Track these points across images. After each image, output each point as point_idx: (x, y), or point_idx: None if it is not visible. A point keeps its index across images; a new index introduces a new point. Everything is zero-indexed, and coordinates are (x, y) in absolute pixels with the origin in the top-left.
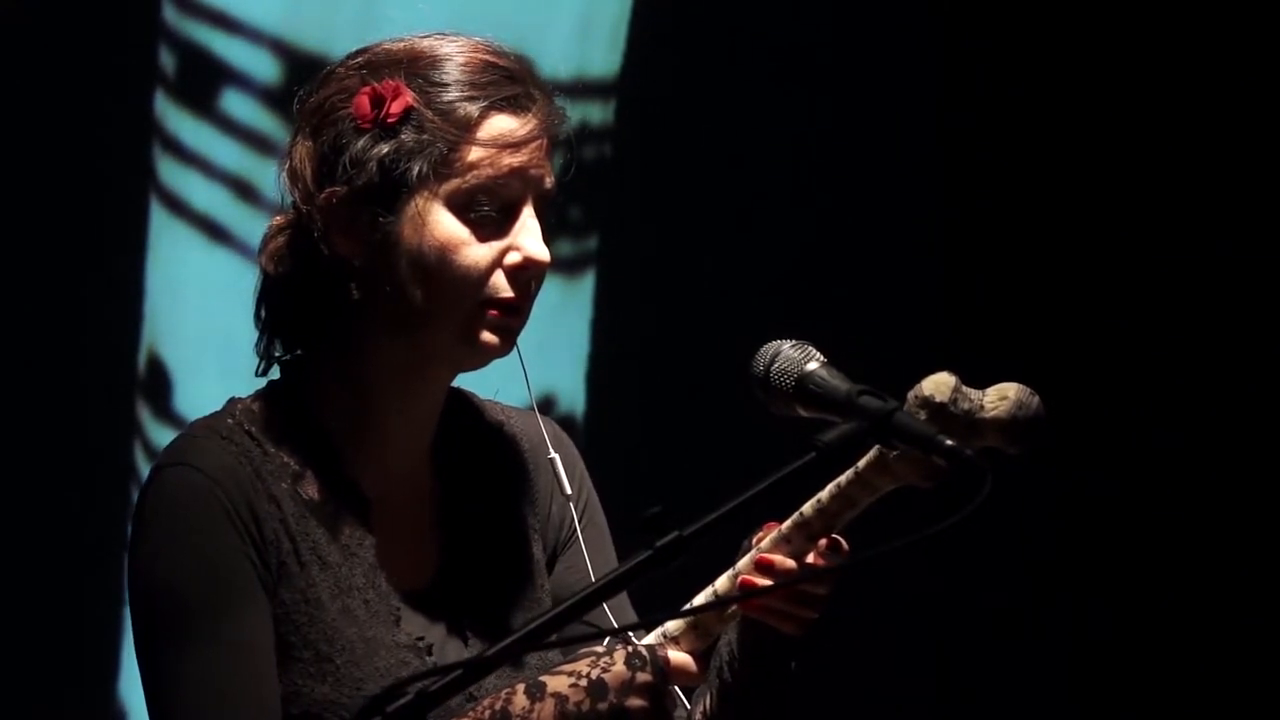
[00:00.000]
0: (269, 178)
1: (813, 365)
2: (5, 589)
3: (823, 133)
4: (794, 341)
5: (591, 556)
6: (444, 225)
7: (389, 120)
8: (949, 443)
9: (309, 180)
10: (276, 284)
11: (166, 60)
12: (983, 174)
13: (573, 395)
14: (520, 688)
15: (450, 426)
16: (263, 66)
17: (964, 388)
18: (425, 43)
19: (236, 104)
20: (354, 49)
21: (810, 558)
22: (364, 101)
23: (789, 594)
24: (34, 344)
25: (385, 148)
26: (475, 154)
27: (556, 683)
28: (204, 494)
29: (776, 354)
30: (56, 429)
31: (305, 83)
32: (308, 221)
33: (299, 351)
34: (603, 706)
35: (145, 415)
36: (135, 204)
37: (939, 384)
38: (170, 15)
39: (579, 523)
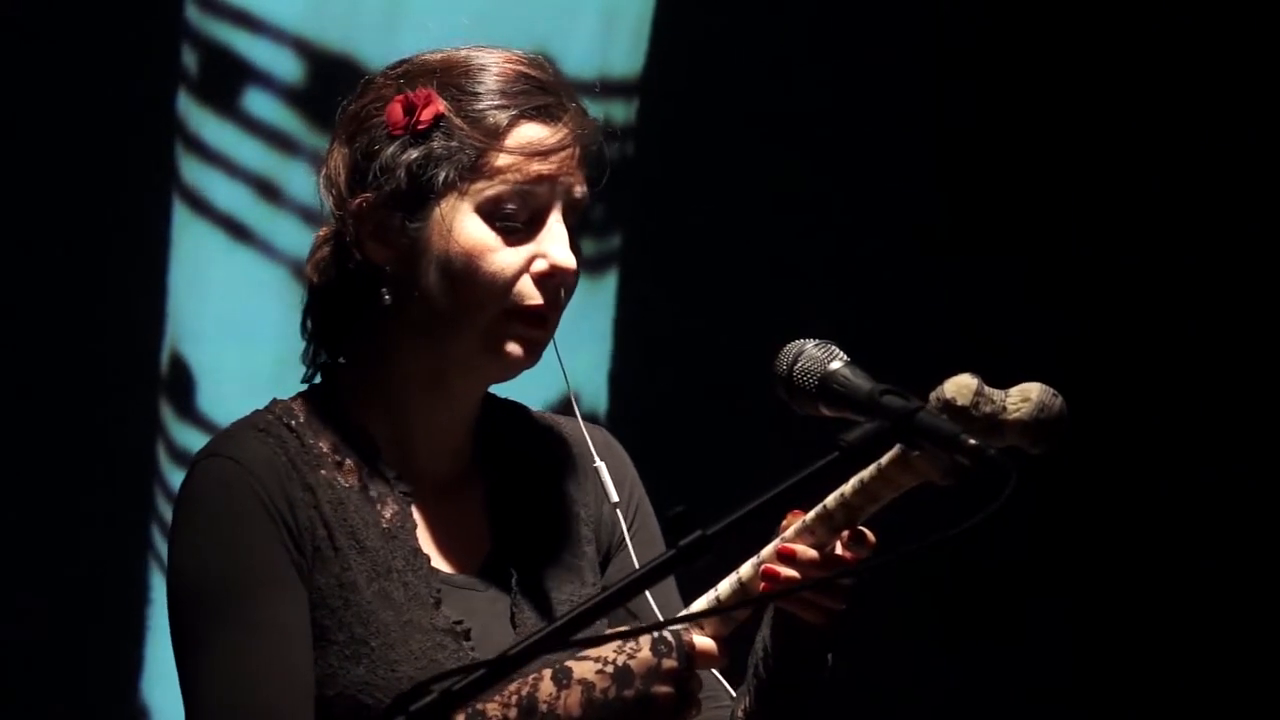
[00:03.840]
0: (292, 177)
1: (836, 364)
2: (29, 586)
3: (845, 131)
4: (817, 340)
5: (642, 562)
6: (471, 231)
7: (419, 127)
8: (972, 441)
9: (342, 187)
10: (320, 293)
11: (189, 59)
12: (1005, 173)
13: (595, 394)
14: (547, 674)
15: (498, 426)
16: (285, 66)
17: (986, 389)
18: (462, 53)
19: (259, 103)
20: (395, 60)
21: (837, 549)
22: (396, 109)
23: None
24: (57, 343)
25: (414, 154)
26: (503, 160)
27: (583, 669)
28: (238, 483)
29: (799, 353)
30: (80, 428)
31: (348, 91)
32: (341, 227)
33: (340, 359)
34: (629, 693)
35: (168, 414)
36: (157, 203)
37: (960, 386)
38: (193, 14)
39: (629, 528)
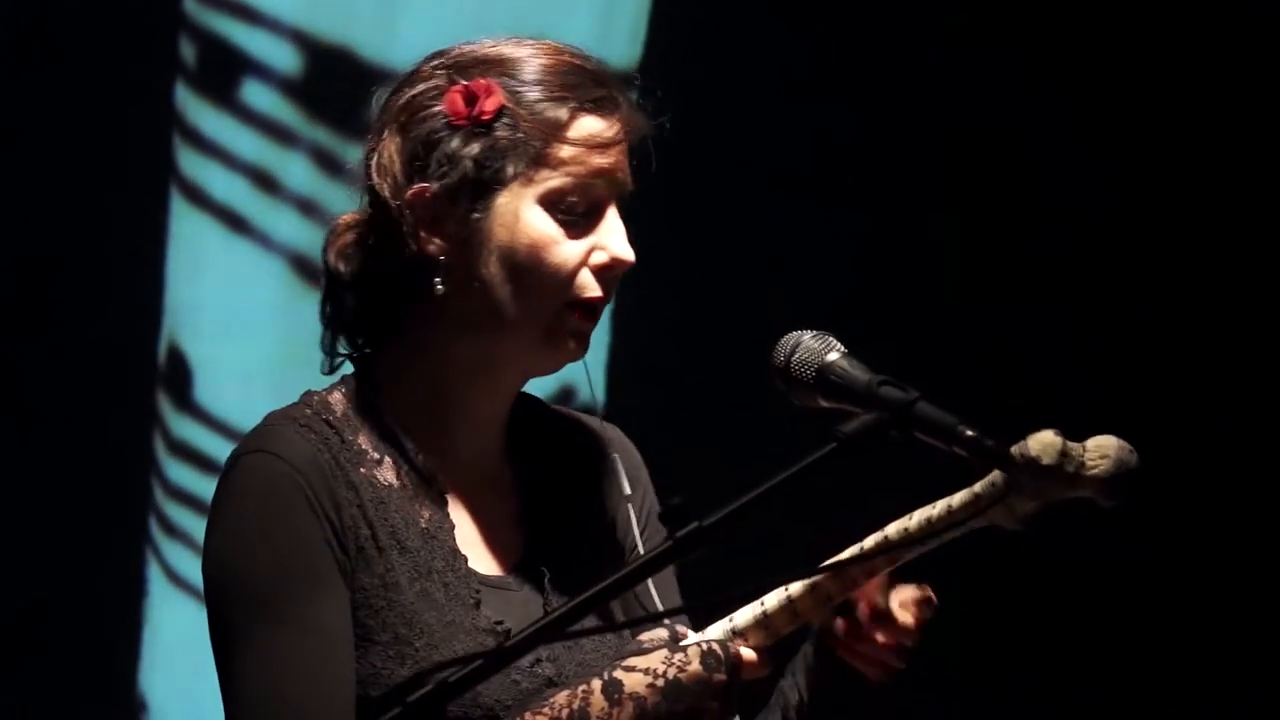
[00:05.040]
0: (289, 168)
1: (833, 355)
2: (27, 579)
3: (846, 126)
4: (815, 332)
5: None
6: (535, 223)
7: (484, 118)
8: (970, 433)
9: (398, 176)
10: (344, 281)
11: (186, 51)
12: (1008, 170)
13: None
14: (597, 686)
15: (526, 422)
16: (283, 57)
17: (1068, 445)
18: (509, 44)
19: (256, 94)
20: (430, 52)
21: (900, 610)
22: (456, 99)
23: (886, 641)
24: (54, 334)
25: (479, 145)
26: (567, 153)
27: (633, 682)
28: (284, 480)
29: (797, 344)
30: (77, 420)
31: (345, 82)
32: (397, 217)
33: (368, 349)
34: (680, 708)
35: (165, 406)
36: (155, 194)
37: (1046, 446)
38: (190, 6)
39: (641, 531)
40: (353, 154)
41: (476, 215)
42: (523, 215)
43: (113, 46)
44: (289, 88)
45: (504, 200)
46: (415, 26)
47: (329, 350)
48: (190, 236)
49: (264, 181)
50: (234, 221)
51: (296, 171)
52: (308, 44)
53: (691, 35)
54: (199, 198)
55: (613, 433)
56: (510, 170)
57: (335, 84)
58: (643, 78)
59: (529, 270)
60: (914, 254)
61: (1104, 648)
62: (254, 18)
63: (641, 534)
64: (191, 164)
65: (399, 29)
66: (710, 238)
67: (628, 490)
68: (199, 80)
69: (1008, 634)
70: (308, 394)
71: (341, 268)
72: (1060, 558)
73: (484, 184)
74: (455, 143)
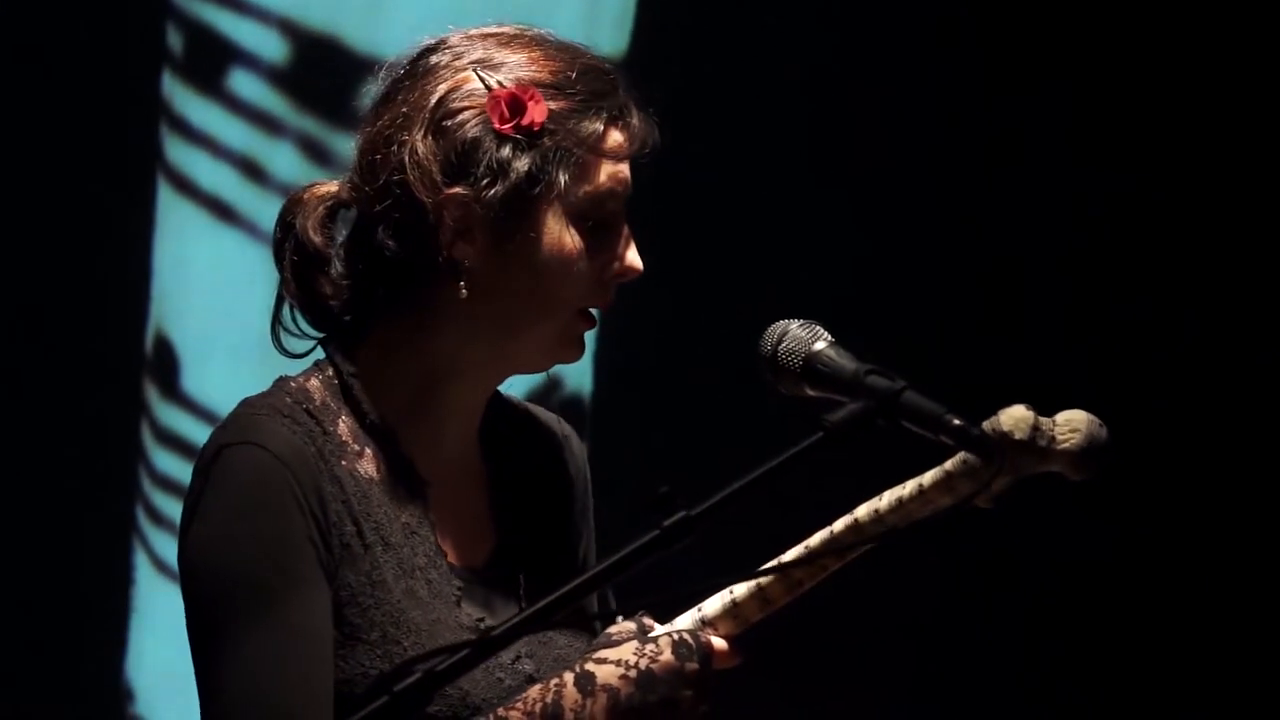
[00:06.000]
0: (276, 157)
1: (820, 344)
2: (14, 569)
3: (832, 115)
4: (801, 321)
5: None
6: (571, 236)
7: (533, 128)
8: (957, 421)
9: (435, 177)
10: (320, 257)
11: (174, 40)
12: (1007, 169)
13: (580, 375)
14: (569, 680)
15: (495, 413)
16: (270, 46)
17: (1040, 420)
18: (525, 42)
19: (244, 84)
20: (427, 41)
21: None
22: (501, 106)
23: None
24: (42, 324)
25: (528, 158)
26: (604, 168)
27: (605, 674)
28: (272, 475)
29: (784, 333)
30: (64, 409)
31: (332, 73)
32: (434, 220)
33: (339, 333)
34: (653, 699)
35: (152, 394)
36: (142, 184)
37: (1017, 421)
38: None
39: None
40: (340, 143)
41: (514, 225)
42: (560, 229)
43: (100, 35)
44: (276, 77)
45: (542, 213)
46: (402, 16)
47: (290, 329)
48: (177, 226)
49: (251, 171)
50: (221, 211)
51: (284, 161)
52: (295, 33)
53: (680, 24)
54: (186, 187)
55: (566, 427)
56: (559, 184)
57: (323, 73)
58: (630, 69)
59: (559, 281)
60: (911, 252)
61: (1101, 645)
62: (241, 7)
63: (579, 539)
64: (179, 153)
65: (386, 18)
66: (700, 233)
67: (574, 483)
68: (186, 69)
69: (998, 631)
70: (283, 380)
71: (318, 240)
72: (1054, 556)
73: (531, 198)
74: (505, 152)
